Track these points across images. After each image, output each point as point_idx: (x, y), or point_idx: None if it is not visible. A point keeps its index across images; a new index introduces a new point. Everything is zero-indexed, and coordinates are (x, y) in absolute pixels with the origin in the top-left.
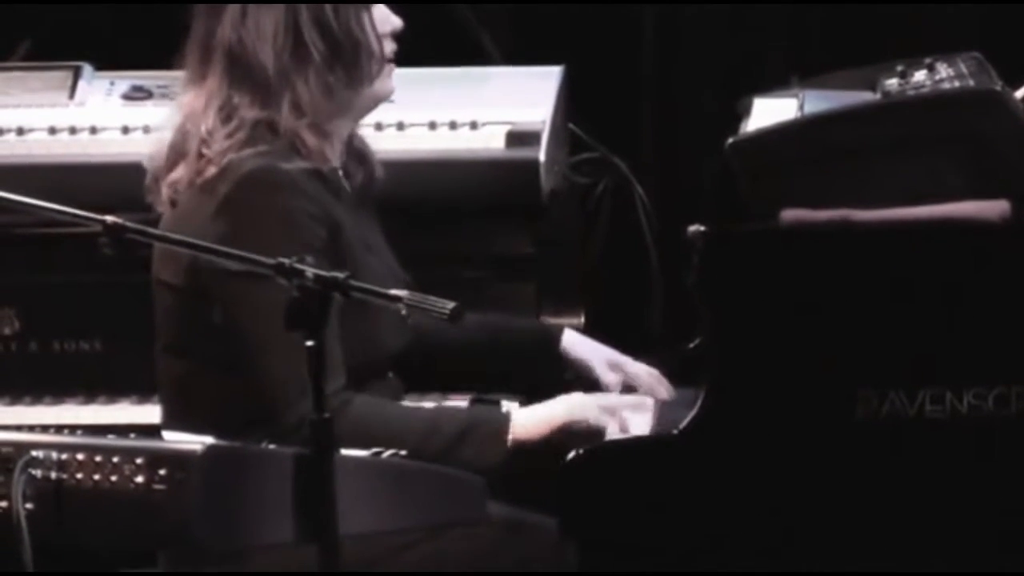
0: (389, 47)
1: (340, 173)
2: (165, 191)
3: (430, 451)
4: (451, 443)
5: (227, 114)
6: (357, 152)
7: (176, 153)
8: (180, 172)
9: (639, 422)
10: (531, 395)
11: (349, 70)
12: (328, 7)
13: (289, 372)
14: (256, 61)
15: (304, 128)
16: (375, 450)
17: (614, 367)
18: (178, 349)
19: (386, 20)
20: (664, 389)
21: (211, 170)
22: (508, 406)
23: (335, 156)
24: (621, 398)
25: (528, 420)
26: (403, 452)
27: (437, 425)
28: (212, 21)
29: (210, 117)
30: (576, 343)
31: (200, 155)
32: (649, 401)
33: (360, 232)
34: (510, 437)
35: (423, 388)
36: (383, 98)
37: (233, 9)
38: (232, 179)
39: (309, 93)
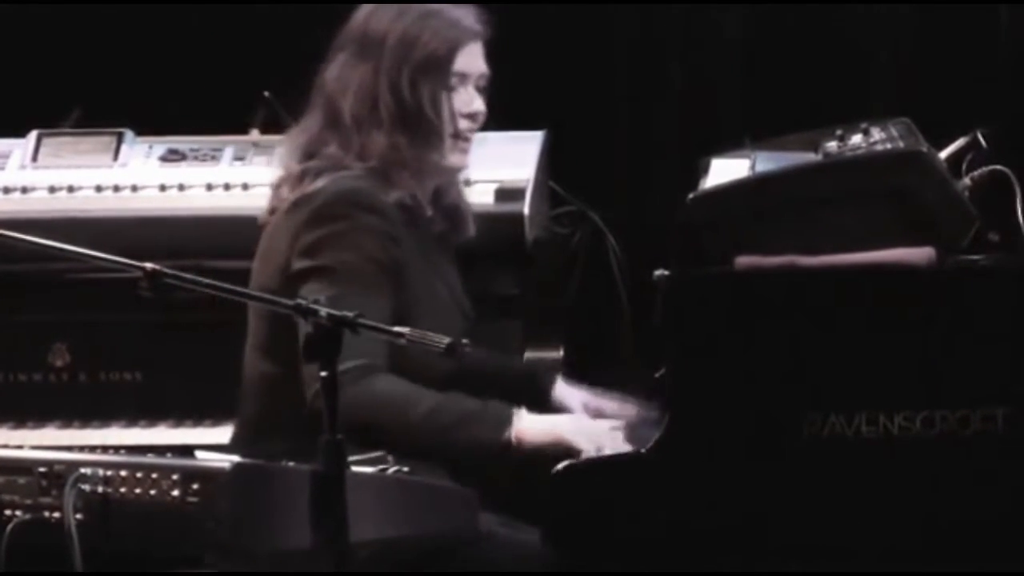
0: (463, 125)
1: (427, 212)
2: (271, 202)
3: (437, 424)
4: (456, 421)
5: (315, 149)
6: (448, 207)
7: (282, 179)
8: (284, 191)
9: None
10: None
11: (412, 135)
12: (406, 80)
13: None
14: (339, 106)
15: (395, 167)
16: (380, 466)
17: (591, 409)
18: (265, 349)
19: (469, 102)
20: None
21: (311, 187)
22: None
23: (422, 194)
24: (610, 438)
25: (534, 422)
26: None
27: (448, 403)
28: (324, 67)
29: (300, 151)
30: (564, 387)
31: (301, 178)
32: (619, 433)
33: (431, 261)
34: (512, 431)
35: None
36: (451, 170)
37: (337, 60)
38: (324, 196)
39: (378, 144)
